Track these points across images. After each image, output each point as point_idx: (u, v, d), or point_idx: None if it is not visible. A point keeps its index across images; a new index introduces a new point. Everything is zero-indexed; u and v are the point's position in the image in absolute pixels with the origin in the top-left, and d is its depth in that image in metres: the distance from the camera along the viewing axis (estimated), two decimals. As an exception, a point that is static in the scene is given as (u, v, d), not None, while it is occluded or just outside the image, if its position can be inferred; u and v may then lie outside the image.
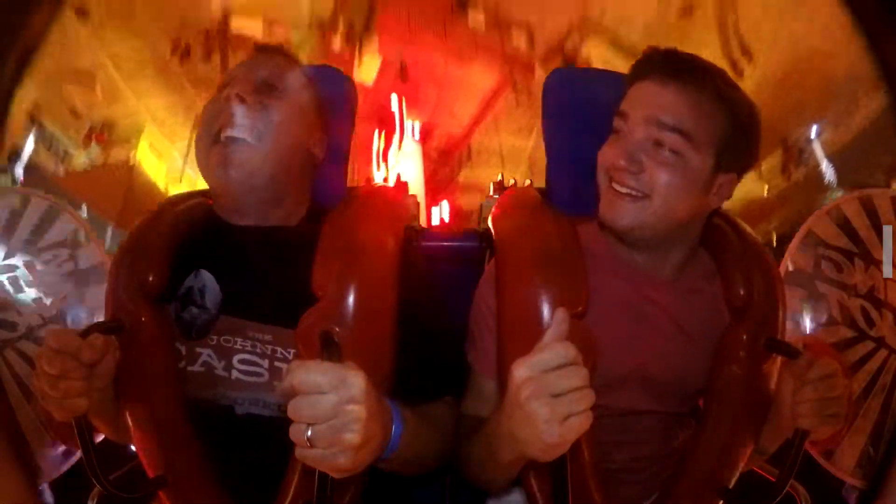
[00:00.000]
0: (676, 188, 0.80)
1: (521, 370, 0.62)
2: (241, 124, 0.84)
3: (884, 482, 0.64)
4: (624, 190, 0.82)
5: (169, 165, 1.98)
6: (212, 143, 0.86)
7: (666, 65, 0.82)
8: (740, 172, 0.85)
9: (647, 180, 0.80)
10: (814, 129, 1.62)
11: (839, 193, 1.50)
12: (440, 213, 2.13)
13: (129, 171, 1.88)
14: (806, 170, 1.63)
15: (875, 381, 1.37)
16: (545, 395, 0.60)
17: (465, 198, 2.23)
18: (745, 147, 0.84)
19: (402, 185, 1.18)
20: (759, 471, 0.94)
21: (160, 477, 0.83)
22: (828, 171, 1.58)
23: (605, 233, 0.90)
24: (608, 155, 0.85)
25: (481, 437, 0.78)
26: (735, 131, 0.81)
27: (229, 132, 0.84)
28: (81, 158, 1.77)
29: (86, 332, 0.74)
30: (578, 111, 1.02)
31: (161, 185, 1.96)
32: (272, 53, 0.94)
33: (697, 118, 0.79)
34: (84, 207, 1.56)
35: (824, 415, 0.76)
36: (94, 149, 1.80)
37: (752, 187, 1.64)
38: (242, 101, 0.85)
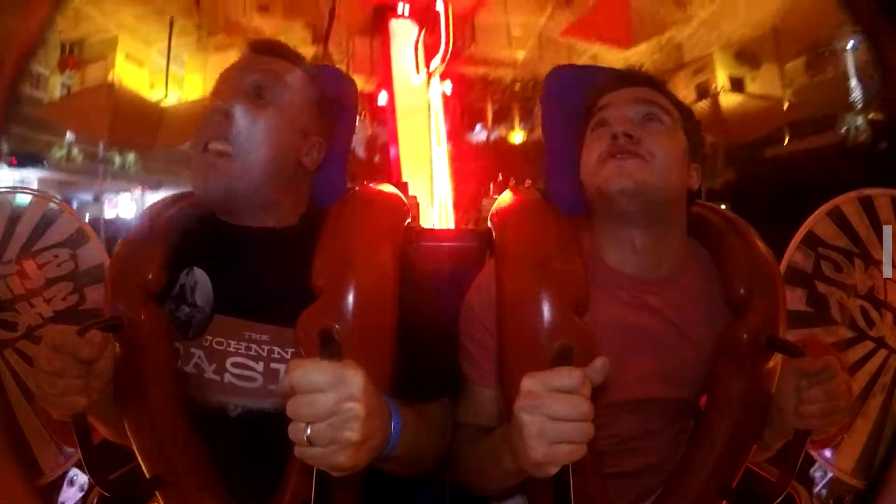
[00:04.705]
0: (671, 152, 0.87)
1: (527, 381, 0.62)
2: (224, 137, 0.85)
3: (884, 482, 0.64)
4: (627, 155, 0.85)
5: (150, 68, 1.92)
6: (199, 153, 0.86)
7: (636, 77, 0.96)
8: (700, 164, 0.96)
9: (646, 146, 0.86)
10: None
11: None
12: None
13: (110, 89, 1.82)
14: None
15: (875, 381, 1.37)
16: (540, 413, 0.60)
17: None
18: (699, 140, 0.96)
19: (402, 186, 1.18)
20: (760, 471, 0.94)
21: (157, 477, 0.82)
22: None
23: (598, 234, 0.91)
24: (602, 142, 0.89)
25: (487, 442, 0.79)
26: (691, 125, 0.94)
27: (213, 144, 0.85)
28: (57, 86, 1.73)
29: (84, 329, 0.73)
30: (579, 111, 1.02)
31: (145, 92, 1.89)
32: (267, 53, 0.93)
33: (670, 104, 0.93)
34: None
35: (831, 414, 0.76)
36: (71, 75, 1.76)
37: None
38: (226, 114, 0.86)
